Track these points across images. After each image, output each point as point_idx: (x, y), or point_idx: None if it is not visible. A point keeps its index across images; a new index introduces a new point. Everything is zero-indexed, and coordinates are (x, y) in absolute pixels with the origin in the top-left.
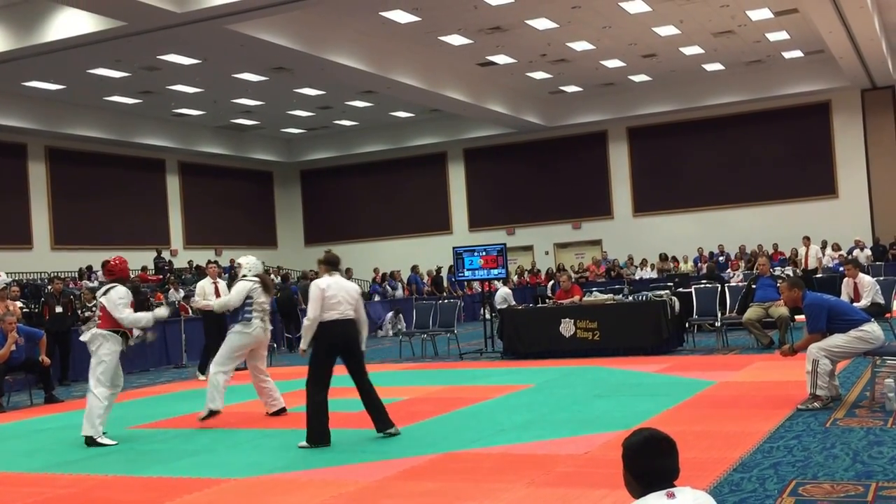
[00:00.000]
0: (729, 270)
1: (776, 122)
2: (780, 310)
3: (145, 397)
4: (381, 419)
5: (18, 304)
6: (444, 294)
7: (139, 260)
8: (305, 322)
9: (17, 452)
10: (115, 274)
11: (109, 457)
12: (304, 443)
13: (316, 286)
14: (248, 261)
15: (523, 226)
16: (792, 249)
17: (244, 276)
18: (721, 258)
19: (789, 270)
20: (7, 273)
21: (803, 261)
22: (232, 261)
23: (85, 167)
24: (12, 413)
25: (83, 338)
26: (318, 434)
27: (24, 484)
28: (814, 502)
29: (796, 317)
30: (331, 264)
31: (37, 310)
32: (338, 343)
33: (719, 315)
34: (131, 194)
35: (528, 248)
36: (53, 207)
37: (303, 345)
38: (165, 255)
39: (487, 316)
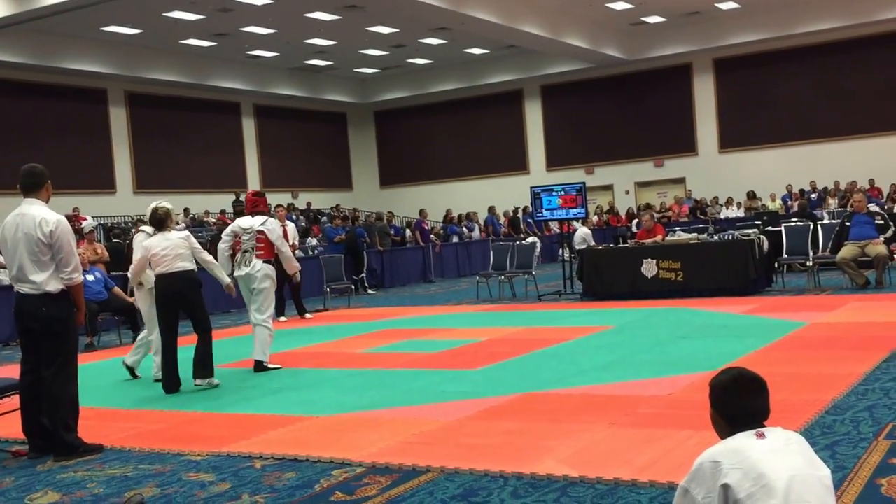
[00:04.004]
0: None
1: (876, 49)
2: (878, 248)
3: (228, 338)
4: (197, 370)
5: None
6: (522, 235)
7: (218, 203)
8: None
9: (109, 389)
10: (260, 207)
11: (196, 394)
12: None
13: (139, 246)
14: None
15: (603, 164)
16: (891, 185)
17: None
18: (813, 195)
19: None
20: (93, 217)
21: None
22: (308, 203)
23: (163, 111)
24: (103, 352)
25: (246, 271)
26: (168, 382)
27: (117, 419)
28: None
29: (895, 256)
30: (154, 224)
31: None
32: (169, 295)
33: (811, 254)
34: (209, 138)
35: (608, 188)
36: (134, 152)
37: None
38: (243, 197)
39: (566, 257)
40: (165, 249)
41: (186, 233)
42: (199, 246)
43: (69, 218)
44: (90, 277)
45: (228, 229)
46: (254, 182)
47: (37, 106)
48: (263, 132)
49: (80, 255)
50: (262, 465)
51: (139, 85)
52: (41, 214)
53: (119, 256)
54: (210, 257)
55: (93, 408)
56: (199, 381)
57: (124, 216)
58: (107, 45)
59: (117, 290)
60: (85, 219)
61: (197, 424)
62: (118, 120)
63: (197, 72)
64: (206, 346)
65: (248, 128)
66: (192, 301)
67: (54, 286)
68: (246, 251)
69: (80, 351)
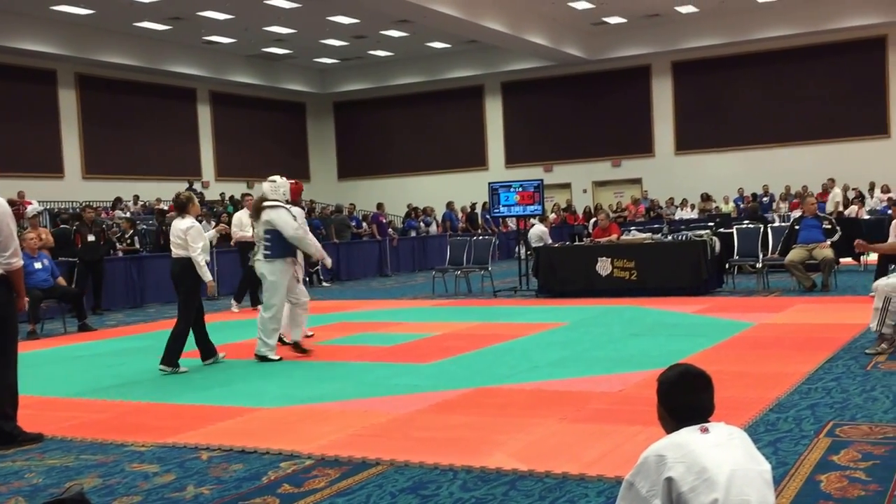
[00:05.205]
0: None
1: (829, 57)
2: (824, 252)
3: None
4: (163, 355)
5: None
6: (479, 231)
7: (171, 191)
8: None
9: (51, 378)
10: (294, 197)
11: (143, 384)
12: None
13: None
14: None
15: (561, 163)
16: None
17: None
18: (765, 199)
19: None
20: (39, 202)
21: (831, 203)
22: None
23: (116, 95)
24: (46, 340)
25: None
26: (201, 351)
27: (60, 408)
28: (850, 443)
29: (841, 260)
30: (176, 208)
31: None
32: (171, 277)
33: (761, 256)
34: (162, 124)
35: (566, 186)
36: (84, 136)
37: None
38: (197, 186)
39: (523, 254)
40: (173, 236)
41: (191, 223)
42: (194, 239)
43: (12, 202)
44: (38, 265)
45: None
46: (208, 171)
47: None
48: (219, 120)
49: (29, 241)
50: (209, 456)
51: (90, 67)
52: None
53: (67, 242)
54: (196, 255)
55: (34, 396)
56: (162, 367)
57: (72, 201)
58: (57, 25)
59: (60, 279)
60: (30, 203)
61: (142, 414)
62: (67, 102)
63: (151, 56)
64: (175, 334)
65: (204, 115)
66: (179, 287)
67: None
68: None
69: (22, 338)
